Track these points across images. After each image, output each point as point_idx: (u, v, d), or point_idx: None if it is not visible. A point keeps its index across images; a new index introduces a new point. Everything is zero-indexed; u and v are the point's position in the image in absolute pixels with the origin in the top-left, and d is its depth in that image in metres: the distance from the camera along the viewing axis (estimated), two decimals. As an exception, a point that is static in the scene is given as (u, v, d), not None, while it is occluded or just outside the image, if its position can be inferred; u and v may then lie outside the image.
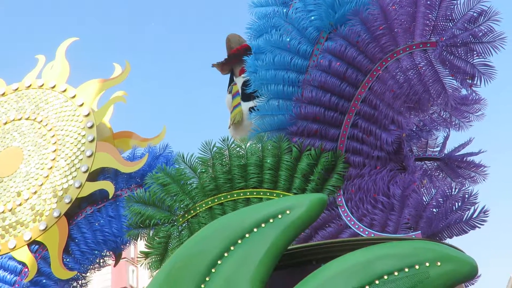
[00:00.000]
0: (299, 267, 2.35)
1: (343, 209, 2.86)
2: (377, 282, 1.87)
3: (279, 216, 2.13)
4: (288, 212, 2.13)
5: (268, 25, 3.44)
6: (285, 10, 3.45)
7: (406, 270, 1.86)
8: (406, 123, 2.99)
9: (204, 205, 3.07)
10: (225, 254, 2.09)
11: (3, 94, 4.56)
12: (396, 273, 1.86)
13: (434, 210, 2.79)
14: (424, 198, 2.83)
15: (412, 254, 1.91)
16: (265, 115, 3.27)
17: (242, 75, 4.12)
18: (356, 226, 2.75)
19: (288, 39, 3.24)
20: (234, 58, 4.28)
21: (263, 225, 2.13)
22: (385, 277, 1.87)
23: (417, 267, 1.85)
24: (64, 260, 3.90)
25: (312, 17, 3.22)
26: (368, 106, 2.97)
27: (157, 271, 3.03)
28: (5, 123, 4.41)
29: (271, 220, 2.13)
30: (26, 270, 3.88)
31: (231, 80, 4.41)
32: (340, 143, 3.03)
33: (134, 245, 4.28)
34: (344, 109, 3.03)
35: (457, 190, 2.83)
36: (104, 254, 4.16)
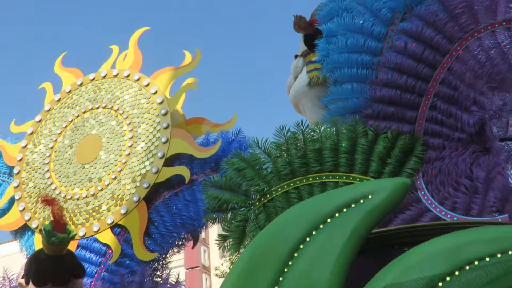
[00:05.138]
0: (381, 251, 2.33)
1: (423, 192, 2.81)
2: (467, 267, 1.80)
3: (361, 201, 2.09)
4: (370, 196, 2.09)
5: (339, 8, 3.39)
6: (356, -8, 3.40)
7: (499, 255, 1.78)
8: (489, 103, 2.89)
9: (280, 189, 3.11)
10: (307, 239, 2.08)
11: (81, 84, 4.77)
12: (487, 259, 1.78)
13: (522, 193, 2.70)
14: (510, 180, 2.74)
15: (504, 238, 1.83)
16: (338, 99, 3.25)
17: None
18: (438, 210, 2.70)
19: (361, 21, 3.19)
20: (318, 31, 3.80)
21: (344, 209, 2.10)
22: (476, 262, 1.80)
23: (510, 252, 1.78)
24: (145, 242, 4.07)
25: (386, -2, 3.15)
26: (448, 87, 2.89)
27: (237, 256, 3.12)
28: (84, 112, 4.61)
29: (352, 205, 2.09)
30: (110, 251, 4.08)
31: (309, 46, 4.01)
32: (418, 125, 2.97)
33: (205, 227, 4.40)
34: (421, 91, 2.96)
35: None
36: (182, 236, 4.31)
